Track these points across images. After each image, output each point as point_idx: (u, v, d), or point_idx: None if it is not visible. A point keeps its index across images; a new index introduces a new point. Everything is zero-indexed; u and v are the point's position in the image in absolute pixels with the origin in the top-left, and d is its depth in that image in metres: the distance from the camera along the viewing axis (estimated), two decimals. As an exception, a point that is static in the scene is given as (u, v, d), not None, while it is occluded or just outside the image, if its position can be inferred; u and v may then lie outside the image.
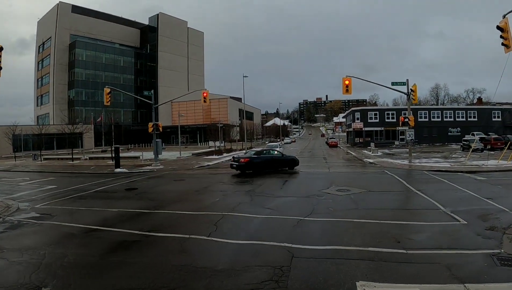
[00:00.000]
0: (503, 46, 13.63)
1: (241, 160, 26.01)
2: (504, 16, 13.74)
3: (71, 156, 45.49)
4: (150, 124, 35.94)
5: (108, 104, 33.76)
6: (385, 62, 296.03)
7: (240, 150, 58.86)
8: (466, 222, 10.61)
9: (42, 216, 13.04)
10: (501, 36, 13.60)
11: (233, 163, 26.69)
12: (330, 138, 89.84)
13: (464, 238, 9.28)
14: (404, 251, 8.08)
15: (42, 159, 48.86)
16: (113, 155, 33.53)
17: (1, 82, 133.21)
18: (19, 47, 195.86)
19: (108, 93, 32.71)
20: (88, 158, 48.28)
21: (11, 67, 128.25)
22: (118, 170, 30.99)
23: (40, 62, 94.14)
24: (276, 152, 30.00)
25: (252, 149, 46.25)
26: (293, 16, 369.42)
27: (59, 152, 61.31)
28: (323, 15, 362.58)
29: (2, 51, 14.41)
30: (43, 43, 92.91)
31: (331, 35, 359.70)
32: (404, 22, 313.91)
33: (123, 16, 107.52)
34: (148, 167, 33.68)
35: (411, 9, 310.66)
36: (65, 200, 16.65)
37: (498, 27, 13.54)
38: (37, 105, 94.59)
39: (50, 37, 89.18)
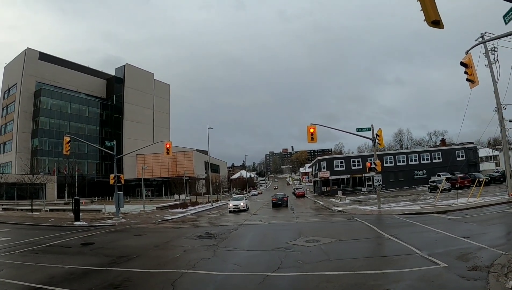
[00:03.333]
0: (468, 82, 13.49)
1: None
2: (467, 52, 13.74)
3: (31, 207, 43.79)
4: (112, 176, 34.62)
5: (68, 153, 32.94)
6: (346, 111, 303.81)
7: (206, 203, 57.95)
8: (446, 265, 9.89)
9: (-16, 271, 11.68)
10: (465, 72, 13.51)
11: None
12: (297, 189, 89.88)
13: (447, 282, 8.47)
14: (384, 305, 7.16)
15: (1, 209, 47.30)
16: (73, 207, 32.01)
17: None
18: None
19: (68, 142, 31.76)
20: (49, 209, 47.02)
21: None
22: (77, 223, 29.75)
23: (4, 108, 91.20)
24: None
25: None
26: (250, 67, 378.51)
27: (19, 203, 57.93)
28: (280, 68, 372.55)
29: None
30: (9, 89, 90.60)
31: (291, 86, 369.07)
32: (361, 70, 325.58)
33: (90, 66, 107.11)
34: (109, 220, 32.41)
35: (367, 57, 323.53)
36: (15, 254, 15.48)
37: (462, 63, 13.47)
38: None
39: (16, 84, 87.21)
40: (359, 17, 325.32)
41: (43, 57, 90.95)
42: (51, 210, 46.82)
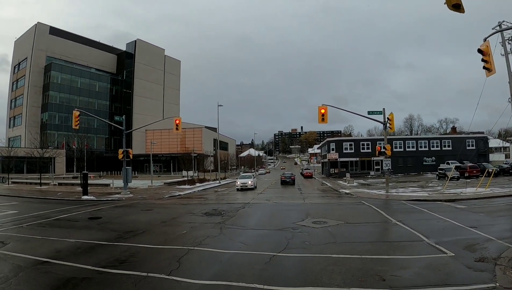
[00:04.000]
0: (484, 70, 13.18)
1: None
2: (485, 40, 13.39)
3: (39, 181, 44.19)
4: (120, 151, 34.61)
5: (77, 127, 32.98)
6: (356, 94, 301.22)
7: (214, 180, 58.05)
8: (453, 254, 9.84)
9: (-7, 243, 11.82)
10: (482, 60, 13.18)
11: None
12: (305, 169, 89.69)
13: (454, 272, 8.43)
14: (392, 291, 7.12)
15: (10, 182, 47.75)
16: (82, 181, 32.24)
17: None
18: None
19: (77, 116, 31.68)
20: (57, 183, 47.43)
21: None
22: (85, 197, 29.85)
23: (14, 82, 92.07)
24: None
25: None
26: (261, 48, 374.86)
27: (28, 176, 59.18)
28: (291, 49, 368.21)
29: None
30: (19, 64, 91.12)
31: (301, 68, 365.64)
32: (372, 54, 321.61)
33: (101, 41, 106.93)
34: (117, 195, 32.62)
35: (379, 41, 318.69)
36: (22, 227, 15.60)
37: (479, 50, 13.16)
38: (9, 127, 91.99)
39: (26, 58, 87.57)
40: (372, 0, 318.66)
41: (54, 31, 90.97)
42: (60, 184, 47.24)
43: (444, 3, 10.01)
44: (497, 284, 7.34)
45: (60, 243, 12.31)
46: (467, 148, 68.63)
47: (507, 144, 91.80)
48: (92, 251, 11.23)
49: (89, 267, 9.21)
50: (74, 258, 10.17)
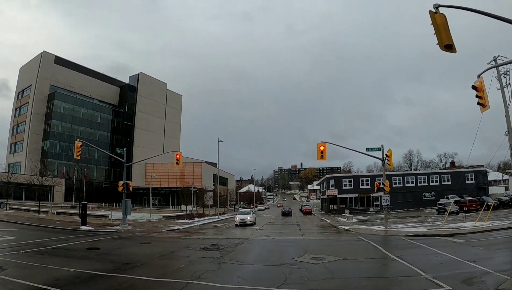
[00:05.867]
0: (479, 106, 13.53)
1: None
2: (479, 76, 13.80)
3: (38, 208, 44.13)
4: (120, 183, 34.74)
5: (78, 158, 33.28)
6: (354, 129, 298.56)
7: (213, 215, 57.88)
8: (450, 288, 9.83)
9: (-9, 269, 11.81)
10: (476, 96, 13.55)
11: None
12: (304, 205, 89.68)
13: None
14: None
15: (8, 208, 47.52)
16: (80, 211, 32.21)
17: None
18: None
19: (79, 147, 31.97)
20: (55, 212, 47.24)
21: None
22: (83, 227, 29.94)
23: (17, 109, 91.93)
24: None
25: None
26: (259, 81, 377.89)
27: (27, 203, 58.10)
28: (288, 83, 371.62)
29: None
30: (23, 90, 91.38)
31: (298, 103, 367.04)
32: (369, 89, 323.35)
33: (104, 73, 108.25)
34: (115, 227, 32.54)
35: (376, 75, 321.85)
36: (21, 254, 15.59)
37: (473, 87, 13.52)
38: (10, 153, 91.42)
39: (30, 85, 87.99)
40: (368, 35, 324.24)
41: (59, 61, 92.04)
42: (58, 213, 47.06)
43: (437, 44, 10.43)
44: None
45: (58, 271, 12.29)
46: (466, 182, 68.60)
47: (506, 177, 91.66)
48: (91, 281, 11.24)
49: (88, 297, 9.19)
50: (73, 287, 10.23)
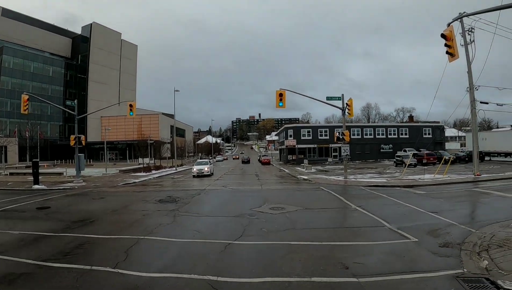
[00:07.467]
0: (447, 55, 12.93)
1: None
2: (448, 25, 13.18)
3: (-11, 171, 41.90)
4: (72, 137, 33.02)
5: (26, 112, 30.84)
6: (313, 81, 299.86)
7: (170, 167, 56.99)
8: (416, 239, 9.57)
9: None
10: (445, 45, 12.91)
11: None
12: (263, 156, 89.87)
13: (419, 258, 8.07)
14: (356, 280, 6.69)
15: None
16: (32, 170, 30.51)
17: None
18: None
19: (26, 100, 29.64)
20: (8, 173, 45.21)
21: None
22: (36, 186, 28.33)
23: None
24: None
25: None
26: (215, 33, 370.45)
27: (-22, 166, 55.85)
28: (246, 34, 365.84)
29: None
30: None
31: (256, 55, 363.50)
32: (329, 41, 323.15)
33: (55, 24, 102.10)
34: (69, 184, 31.06)
35: (336, 28, 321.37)
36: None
37: (442, 35, 12.89)
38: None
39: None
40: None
41: (6, 13, 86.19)
42: (11, 174, 45.07)
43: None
44: (465, 269, 7.08)
45: (3, 235, 11.40)
46: (424, 136, 70.50)
47: (463, 134, 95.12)
48: (36, 243, 10.46)
49: (30, 261, 8.45)
50: (15, 251, 9.44)
